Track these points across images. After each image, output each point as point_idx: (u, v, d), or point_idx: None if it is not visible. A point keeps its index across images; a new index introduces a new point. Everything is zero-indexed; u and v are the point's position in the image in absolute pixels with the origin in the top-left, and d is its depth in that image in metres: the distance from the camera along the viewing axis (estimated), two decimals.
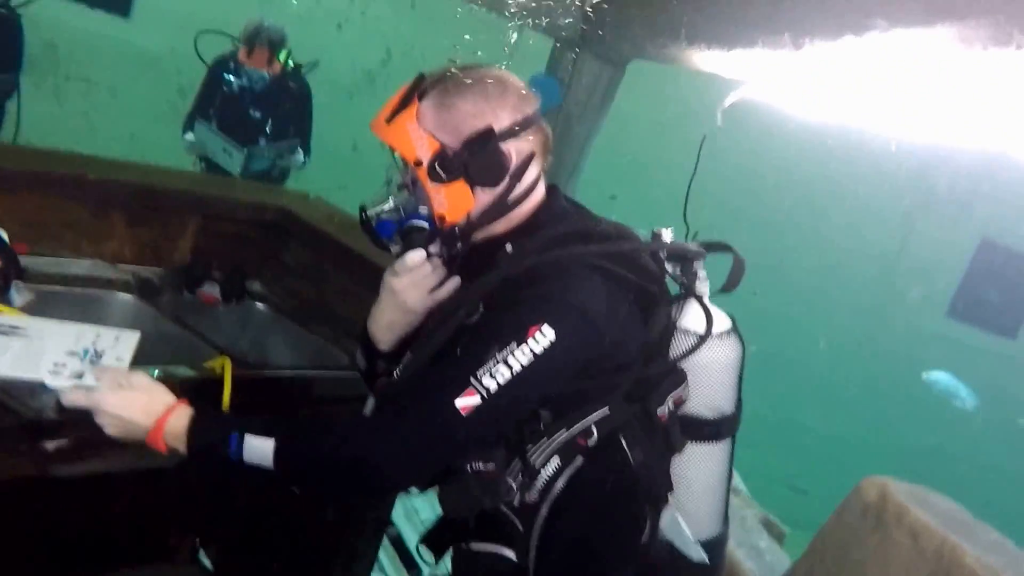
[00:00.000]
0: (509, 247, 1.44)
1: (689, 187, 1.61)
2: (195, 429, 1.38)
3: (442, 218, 1.44)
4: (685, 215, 1.60)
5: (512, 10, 4.00)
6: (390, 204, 1.49)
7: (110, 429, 1.40)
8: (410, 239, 1.47)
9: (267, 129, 4.65)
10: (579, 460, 1.41)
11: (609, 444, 1.42)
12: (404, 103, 1.42)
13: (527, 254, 1.40)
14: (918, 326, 9.08)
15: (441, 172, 1.40)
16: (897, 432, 9.14)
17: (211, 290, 2.30)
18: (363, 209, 1.51)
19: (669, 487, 1.52)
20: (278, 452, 1.32)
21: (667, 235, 1.53)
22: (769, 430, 6.94)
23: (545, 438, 1.40)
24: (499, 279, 1.38)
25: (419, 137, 1.41)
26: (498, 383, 1.29)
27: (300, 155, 4.75)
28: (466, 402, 1.28)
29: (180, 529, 2.51)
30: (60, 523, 2.02)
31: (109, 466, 1.75)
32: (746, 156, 5.74)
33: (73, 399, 1.39)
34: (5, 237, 1.98)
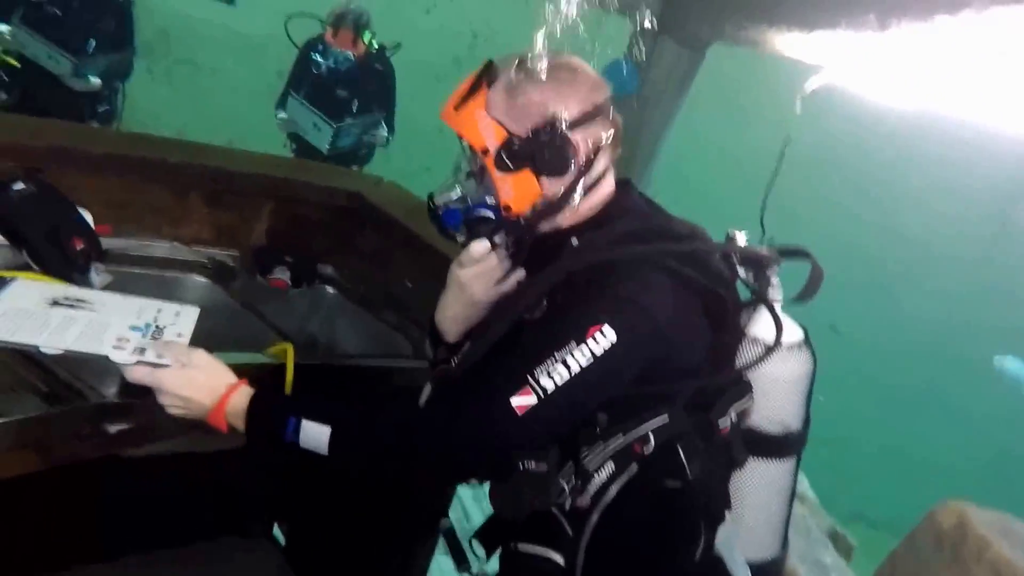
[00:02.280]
0: (575, 241, 1.41)
1: (767, 191, 1.53)
2: (254, 410, 1.39)
3: (508, 208, 1.41)
4: (762, 219, 1.52)
5: None
6: (457, 193, 1.47)
7: (172, 409, 1.42)
8: (476, 229, 1.46)
9: (353, 108, 4.80)
10: (634, 468, 1.37)
11: (666, 453, 1.38)
12: (473, 90, 1.40)
13: (593, 249, 1.36)
14: (1006, 327, 8.52)
15: (508, 161, 1.38)
16: (983, 439, 8.63)
17: (281, 274, 2.34)
18: (431, 198, 1.50)
19: (727, 504, 1.47)
20: (333, 440, 1.33)
21: (741, 238, 1.47)
22: (843, 431, 6.66)
23: (600, 442, 1.37)
24: (563, 274, 1.35)
25: (487, 125, 1.39)
26: (555, 383, 1.27)
27: (384, 130, 4.89)
28: (522, 401, 1.26)
29: (253, 505, 2.60)
30: (132, 501, 2.11)
31: (177, 447, 1.80)
32: (830, 143, 5.49)
33: (136, 375, 1.40)
34: (90, 219, 2.08)
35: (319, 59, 4.78)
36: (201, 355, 1.44)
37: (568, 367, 1.27)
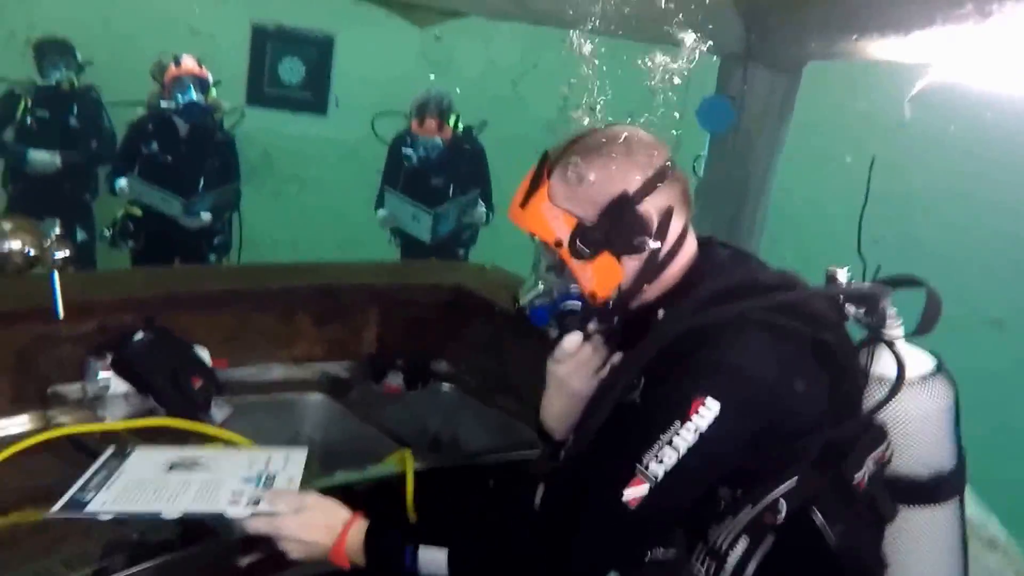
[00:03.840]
0: (661, 313, 1.34)
1: (862, 216, 1.47)
2: (371, 544, 1.38)
3: (593, 295, 1.37)
4: (859, 248, 1.44)
5: (673, 33, 3.85)
6: (541, 289, 1.44)
7: (294, 553, 1.43)
8: (565, 322, 1.42)
9: (449, 193, 4.85)
10: (770, 539, 1.28)
11: (802, 519, 1.28)
12: (535, 184, 1.37)
13: (681, 318, 1.29)
14: None
15: (583, 248, 1.34)
16: None
17: (395, 379, 2.35)
18: (515, 300, 1.47)
19: (882, 564, 1.36)
20: (451, 562, 1.30)
21: (842, 275, 1.36)
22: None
23: (728, 517, 1.28)
24: (654, 351, 1.28)
25: (554, 216, 1.35)
26: (666, 468, 1.20)
27: (482, 208, 4.90)
28: (634, 492, 1.21)
29: None
30: None
31: (315, 568, 1.80)
32: (950, 144, 5.10)
33: (255, 527, 1.43)
34: (207, 356, 2.14)
35: (408, 152, 4.87)
36: (314, 497, 1.46)
37: (676, 449, 1.20)
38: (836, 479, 1.30)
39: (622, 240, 1.33)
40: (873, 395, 1.34)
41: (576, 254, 1.35)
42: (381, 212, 4.93)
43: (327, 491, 1.50)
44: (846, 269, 1.36)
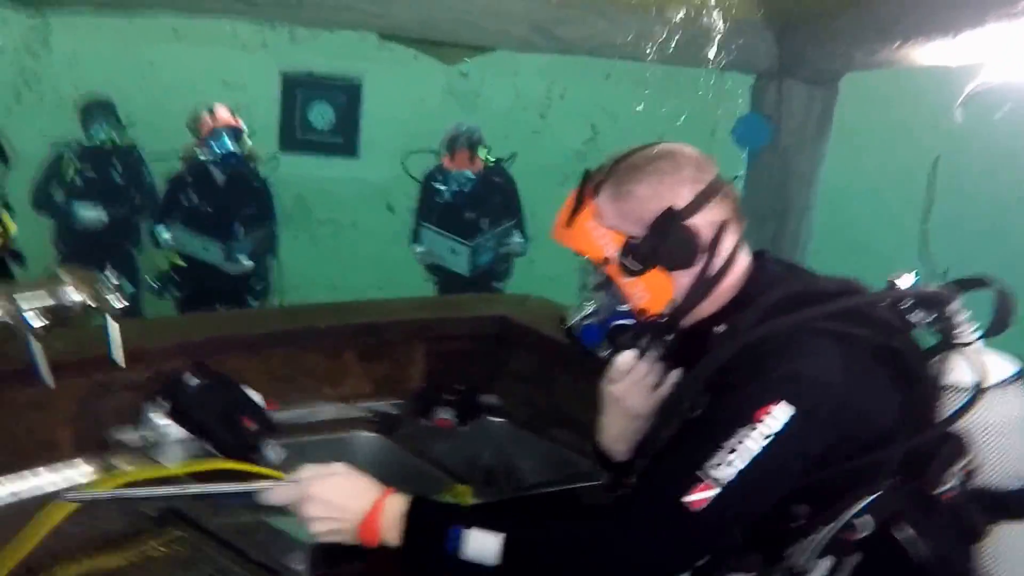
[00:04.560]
0: (720, 328, 1.32)
1: (925, 218, 1.41)
2: (413, 517, 1.28)
3: (644, 311, 1.36)
4: (925, 245, 1.40)
5: (707, 56, 3.85)
6: (590, 308, 1.43)
7: (320, 522, 1.31)
8: (618, 341, 1.41)
9: (483, 227, 4.88)
10: (853, 558, 1.25)
11: (885, 536, 1.24)
12: (580, 203, 1.37)
13: (741, 331, 1.27)
14: None
15: (633, 264, 1.33)
16: None
17: (445, 414, 2.33)
18: (563, 321, 1.46)
19: None
20: (506, 550, 1.21)
21: (906, 280, 1.33)
22: None
23: (806, 535, 1.25)
24: (715, 366, 1.26)
25: (602, 234, 1.34)
26: (732, 472, 1.17)
27: (518, 237, 4.90)
28: (698, 497, 1.17)
29: None
30: None
31: None
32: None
33: (280, 496, 1.33)
34: (259, 399, 2.15)
35: (441, 187, 4.92)
36: (343, 465, 1.36)
37: (742, 453, 1.17)
38: (918, 493, 1.27)
39: (672, 255, 1.32)
40: (950, 404, 1.29)
41: (625, 270, 1.33)
42: (418, 248, 4.97)
43: None
44: (913, 272, 1.33)
